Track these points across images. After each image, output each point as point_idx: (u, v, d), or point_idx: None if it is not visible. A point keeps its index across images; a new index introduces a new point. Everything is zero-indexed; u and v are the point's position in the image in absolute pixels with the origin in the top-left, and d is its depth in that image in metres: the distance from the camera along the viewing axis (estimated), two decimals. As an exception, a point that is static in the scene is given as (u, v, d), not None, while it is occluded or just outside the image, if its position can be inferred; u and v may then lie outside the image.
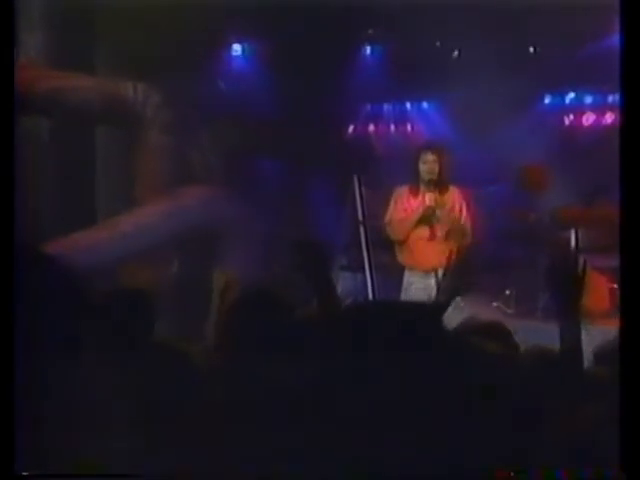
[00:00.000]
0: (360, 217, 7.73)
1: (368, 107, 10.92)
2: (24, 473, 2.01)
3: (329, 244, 8.64)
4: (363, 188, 7.79)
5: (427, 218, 6.43)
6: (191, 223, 8.46)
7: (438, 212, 6.37)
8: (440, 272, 6.21)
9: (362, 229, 7.64)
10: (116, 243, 8.16)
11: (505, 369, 1.87)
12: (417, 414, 1.61)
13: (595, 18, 7.92)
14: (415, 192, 6.56)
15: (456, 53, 9.60)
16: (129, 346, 2.79)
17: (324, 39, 8.76)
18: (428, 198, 6.40)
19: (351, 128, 10.86)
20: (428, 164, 6.40)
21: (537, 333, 6.50)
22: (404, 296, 6.46)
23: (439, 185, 6.44)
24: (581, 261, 7.74)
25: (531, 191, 9.10)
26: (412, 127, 10.94)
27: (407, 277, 6.69)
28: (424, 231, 6.39)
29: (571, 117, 10.19)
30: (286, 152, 9.81)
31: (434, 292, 6.16)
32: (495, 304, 8.90)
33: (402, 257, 6.73)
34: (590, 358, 4.88)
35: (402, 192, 6.70)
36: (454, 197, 6.44)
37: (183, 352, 2.74)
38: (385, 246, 8.75)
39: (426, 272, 6.34)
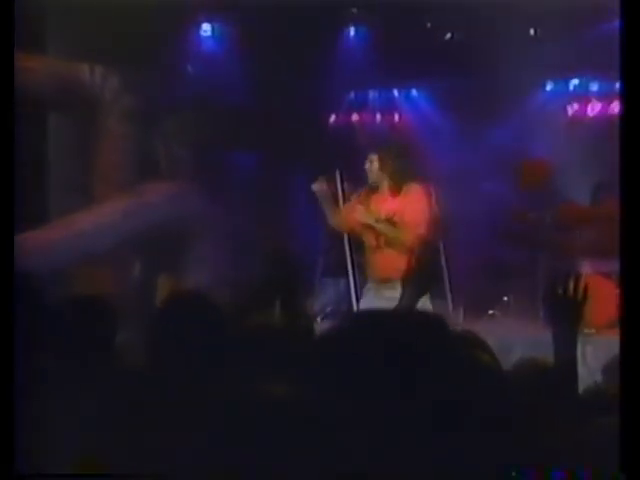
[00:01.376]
0: (343, 217, 7.78)
1: (352, 95, 10.90)
2: (24, 473, 2.17)
3: (308, 246, 8.66)
4: (346, 184, 7.74)
5: (366, 227, 6.42)
6: (155, 222, 8.44)
7: (371, 219, 6.31)
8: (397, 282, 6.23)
9: (345, 230, 7.69)
10: (71, 244, 8.10)
11: (492, 384, 1.90)
12: (398, 431, 1.65)
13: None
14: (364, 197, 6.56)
15: (449, 35, 9.56)
16: (87, 353, 2.88)
17: (304, 19, 8.71)
18: (359, 210, 6.37)
19: (333, 118, 10.83)
20: (367, 165, 6.39)
21: (536, 345, 6.53)
22: (361, 306, 6.50)
23: (389, 188, 6.36)
24: (584, 266, 7.74)
25: (530, 188, 9.09)
26: (400, 117, 10.93)
27: (365, 287, 6.72)
28: (370, 239, 6.40)
29: (574, 106, 10.17)
30: (261, 144, 9.77)
31: (386, 303, 6.11)
32: (491, 312, 8.94)
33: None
34: (593, 370, 4.87)
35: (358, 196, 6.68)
36: (407, 201, 6.33)
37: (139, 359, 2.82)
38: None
39: (379, 283, 6.36)
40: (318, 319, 8.34)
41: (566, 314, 2.91)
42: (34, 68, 8.08)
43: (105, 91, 8.54)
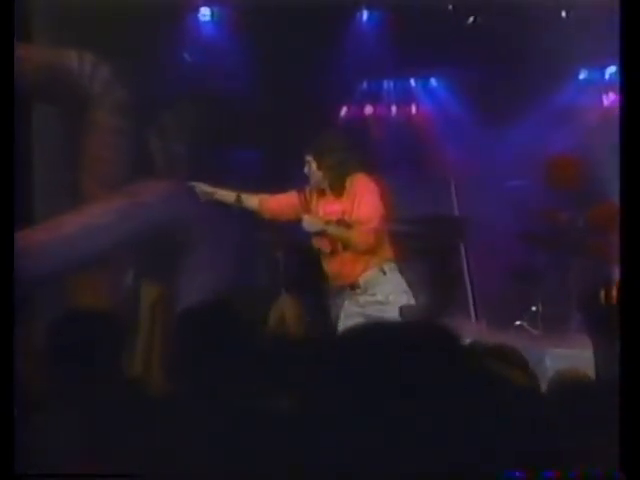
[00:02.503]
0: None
1: (364, 85, 10.86)
2: (24, 473, 2.38)
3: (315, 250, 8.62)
4: None
5: (318, 234, 6.37)
6: (150, 225, 8.44)
7: (319, 225, 6.27)
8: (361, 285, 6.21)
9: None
10: (59, 248, 8.08)
11: (524, 403, 1.95)
12: (415, 452, 1.66)
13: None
14: (303, 200, 6.51)
15: (471, 19, 9.52)
16: (83, 358, 2.97)
17: (312, 2, 8.67)
18: (305, 221, 6.30)
19: (344, 110, 10.80)
20: (306, 169, 6.34)
21: (569, 359, 6.50)
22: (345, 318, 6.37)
23: (330, 187, 6.33)
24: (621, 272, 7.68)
25: (561, 187, 8.97)
26: (417, 109, 10.91)
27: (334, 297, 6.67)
28: (324, 246, 6.35)
29: (610, 96, 10.11)
30: (265, 140, 9.73)
31: (364, 310, 6.17)
32: (518, 323, 8.89)
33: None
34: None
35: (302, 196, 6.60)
36: (352, 196, 6.28)
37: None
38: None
39: (347, 290, 6.32)
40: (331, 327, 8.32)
41: (607, 325, 2.88)
42: (17, 56, 8.05)
43: (95, 81, 8.43)
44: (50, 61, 8.30)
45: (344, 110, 10.80)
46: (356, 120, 10.79)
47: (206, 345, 2.80)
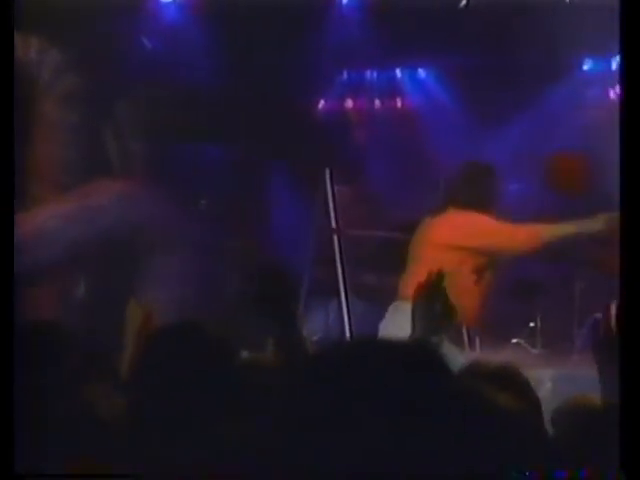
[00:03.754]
0: (333, 224, 7.74)
1: (344, 76, 10.85)
2: (24, 473, 2.55)
3: (291, 260, 8.46)
4: (337, 185, 7.83)
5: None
6: (103, 230, 8.42)
7: None
8: None
9: (336, 240, 7.64)
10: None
11: (524, 429, 1.88)
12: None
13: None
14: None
15: (464, 2, 9.37)
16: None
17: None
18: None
19: (321, 104, 10.79)
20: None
21: (572, 382, 6.36)
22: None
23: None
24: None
25: (563, 190, 9.04)
26: (403, 103, 10.89)
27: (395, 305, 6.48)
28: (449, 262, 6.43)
29: (618, 89, 10.08)
30: (235, 135, 9.66)
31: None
32: (515, 341, 8.83)
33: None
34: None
35: None
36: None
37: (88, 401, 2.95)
38: (366, 263, 8.59)
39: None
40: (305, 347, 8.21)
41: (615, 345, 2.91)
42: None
43: (42, 69, 8.48)
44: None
45: (322, 103, 10.81)
46: (335, 114, 10.81)
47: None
